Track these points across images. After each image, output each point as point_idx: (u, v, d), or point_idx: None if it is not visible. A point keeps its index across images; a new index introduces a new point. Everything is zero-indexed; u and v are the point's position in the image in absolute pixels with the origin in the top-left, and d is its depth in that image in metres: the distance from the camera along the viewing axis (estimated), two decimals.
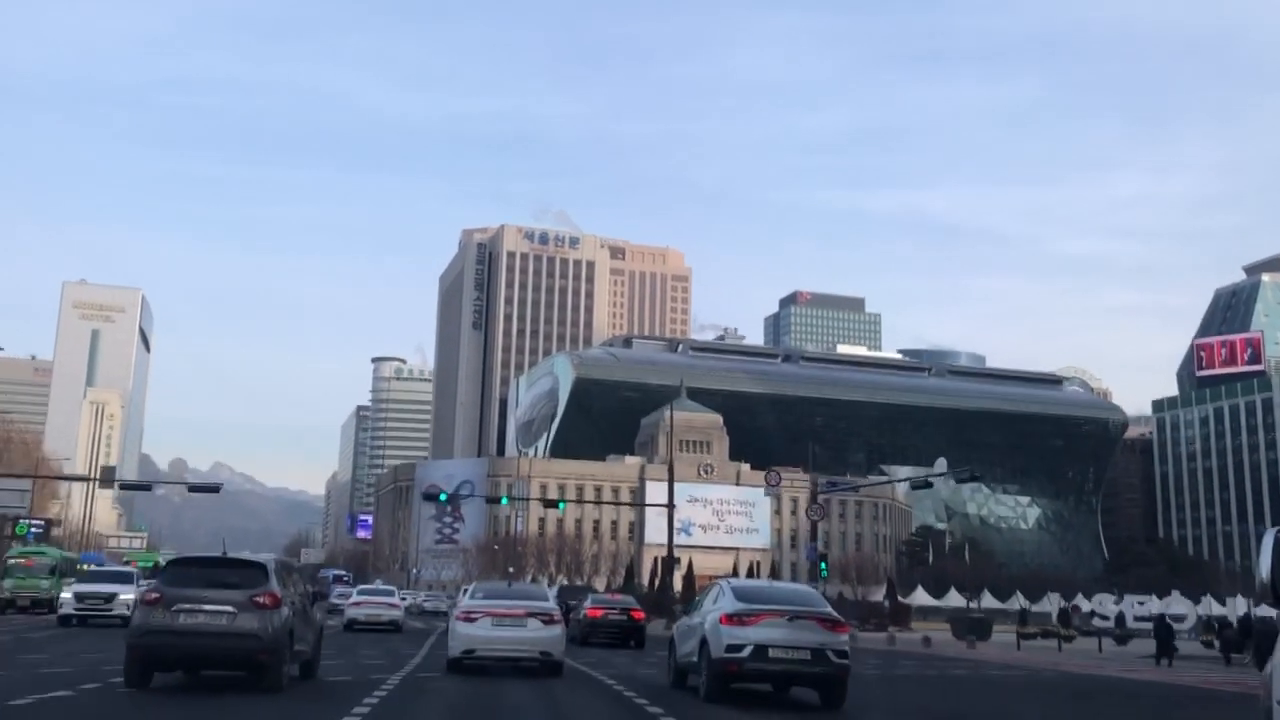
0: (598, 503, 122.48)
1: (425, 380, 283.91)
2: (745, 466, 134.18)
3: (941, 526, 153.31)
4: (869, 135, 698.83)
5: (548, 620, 18.06)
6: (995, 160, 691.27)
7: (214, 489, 54.06)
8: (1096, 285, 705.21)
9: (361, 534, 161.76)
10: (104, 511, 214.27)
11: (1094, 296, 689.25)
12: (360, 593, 39.67)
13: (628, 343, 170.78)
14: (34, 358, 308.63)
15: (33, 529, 66.01)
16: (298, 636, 13.98)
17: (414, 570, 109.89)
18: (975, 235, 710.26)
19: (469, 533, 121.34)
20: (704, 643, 14.90)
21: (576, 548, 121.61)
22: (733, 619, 14.45)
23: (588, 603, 33.77)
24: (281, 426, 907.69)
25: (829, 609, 15.24)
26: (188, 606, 12.77)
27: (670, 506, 52.49)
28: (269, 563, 14.25)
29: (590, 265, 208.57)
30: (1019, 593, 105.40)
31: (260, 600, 12.92)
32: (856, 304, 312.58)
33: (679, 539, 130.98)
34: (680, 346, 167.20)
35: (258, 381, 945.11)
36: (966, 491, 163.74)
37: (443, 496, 46.30)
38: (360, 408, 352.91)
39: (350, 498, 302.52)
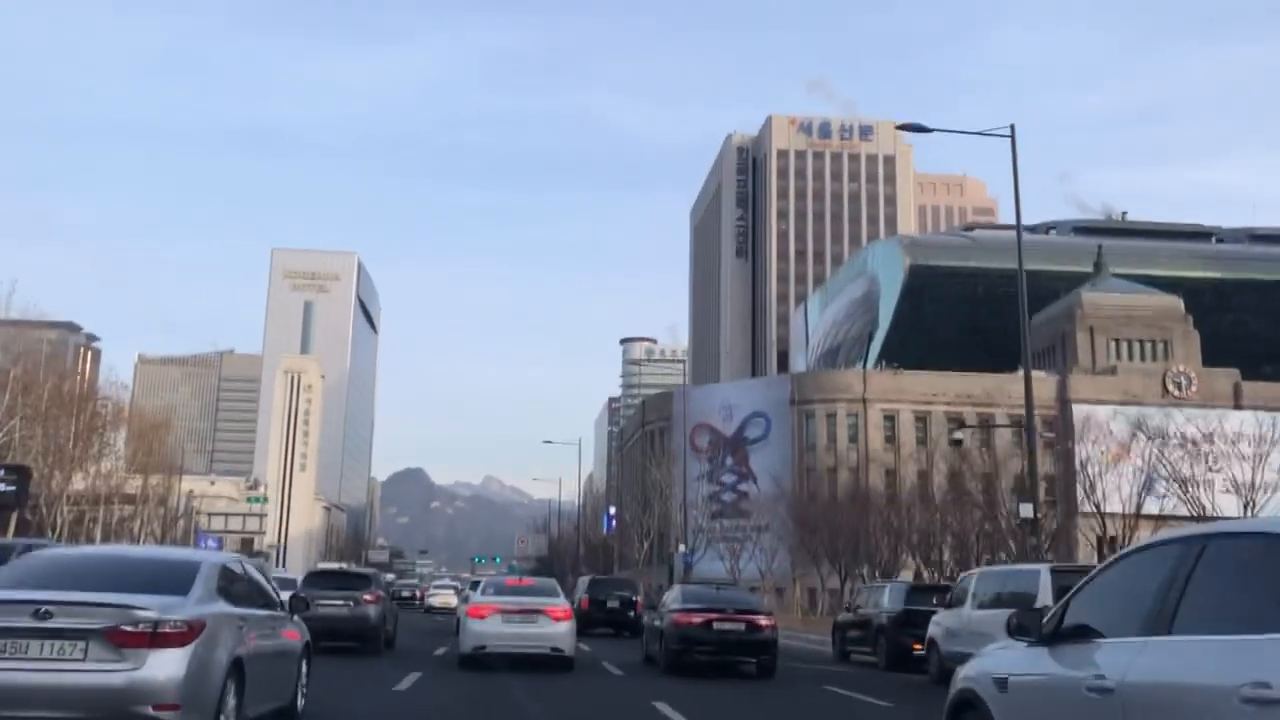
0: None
1: (678, 361, 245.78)
2: (1238, 377, 77.75)
3: None
4: (1147, 110, 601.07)
5: (558, 616, 18.33)
6: None
7: None
8: None
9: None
10: (304, 516, 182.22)
11: None
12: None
13: (968, 229, 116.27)
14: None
15: None
16: (388, 621, 22.35)
17: (677, 557, 61.77)
18: None
19: (763, 496, 71.86)
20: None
21: (946, 520, 69.26)
22: None
23: (675, 602, 19.73)
24: (550, 436, 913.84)
25: None
26: (322, 600, 19.82)
27: None
28: (374, 574, 24.32)
29: (889, 160, 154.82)
30: None
31: (367, 598, 20.89)
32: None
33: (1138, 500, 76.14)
34: (1052, 230, 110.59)
35: (525, 398, 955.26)
36: None
37: None
38: (611, 399, 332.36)
39: (605, 494, 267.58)
